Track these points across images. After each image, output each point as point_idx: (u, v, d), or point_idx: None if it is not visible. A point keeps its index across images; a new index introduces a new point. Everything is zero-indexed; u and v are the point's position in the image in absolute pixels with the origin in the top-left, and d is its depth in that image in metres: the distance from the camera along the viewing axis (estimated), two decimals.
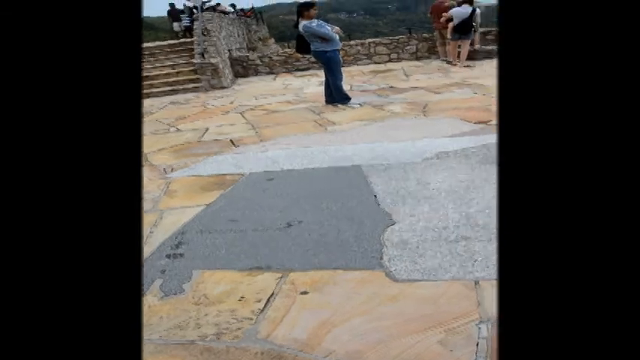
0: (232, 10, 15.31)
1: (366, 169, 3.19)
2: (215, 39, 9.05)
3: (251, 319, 1.73)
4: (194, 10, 10.64)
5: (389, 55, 9.65)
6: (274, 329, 1.65)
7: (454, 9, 7.79)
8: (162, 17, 17.54)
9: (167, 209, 2.87)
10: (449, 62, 8.37)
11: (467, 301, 1.69)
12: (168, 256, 2.26)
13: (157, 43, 11.25)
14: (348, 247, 2.16)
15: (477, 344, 1.48)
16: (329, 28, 5.38)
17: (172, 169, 3.71)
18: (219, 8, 13.36)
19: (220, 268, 2.12)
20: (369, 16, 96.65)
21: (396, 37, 9.88)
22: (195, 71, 8.51)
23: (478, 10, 7.98)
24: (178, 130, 5.30)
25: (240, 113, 5.86)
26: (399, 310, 1.68)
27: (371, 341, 1.54)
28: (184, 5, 13.90)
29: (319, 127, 4.71)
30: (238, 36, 13.28)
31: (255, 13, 19.69)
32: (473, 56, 8.26)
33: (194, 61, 8.62)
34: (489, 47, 8.85)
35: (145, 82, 8.14)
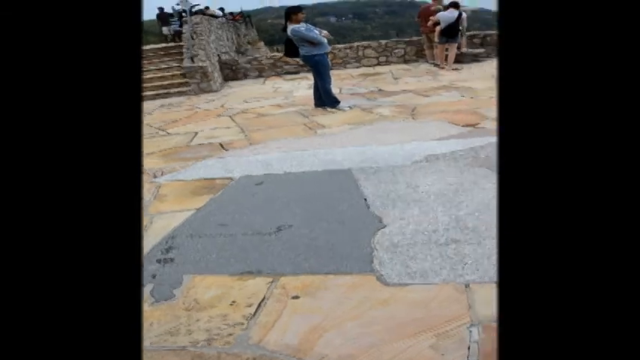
0: (221, 13, 15.27)
1: (355, 173, 3.20)
2: (204, 43, 9.03)
3: (242, 324, 1.72)
4: (183, 14, 10.60)
5: (377, 58, 9.70)
6: (266, 334, 1.65)
7: (441, 13, 7.88)
8: (152, 21, 17.41)
9: (157, 213, 2.85)
10: (437, 65, 8.44)
11: (458, 305, 1.70)
12: (158, 261, 2.24)
13: (151, 46, 11.16)
14: (338, 251, 2.17)
15: (469, 348, 1.48)
16: (317, 32, 5.40)
17: (162, 173, 3.68)
18: (207, 12, 13.31)
19: (211, 272, 2.10)
20: (357, 20, 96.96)
21: (385, 41, 9.94)
22: (184, 75, 8.47)
23: (464, 14, 8.08)
24: (168, 133, 5.27)
25: (230, 117, 5.84)
26: (390, 314, 1.69)
27: (363, 346, 1.54)
28: (173, 9, 13.85)
29: (309, 130, 4.71)
30: (227, 40, 13.24)
31: (244, 17, 19.66)
32: (460, 59, 8.35)
33: (183, 65, 8.58)
34: (476, 50, 8.95)
35: None
